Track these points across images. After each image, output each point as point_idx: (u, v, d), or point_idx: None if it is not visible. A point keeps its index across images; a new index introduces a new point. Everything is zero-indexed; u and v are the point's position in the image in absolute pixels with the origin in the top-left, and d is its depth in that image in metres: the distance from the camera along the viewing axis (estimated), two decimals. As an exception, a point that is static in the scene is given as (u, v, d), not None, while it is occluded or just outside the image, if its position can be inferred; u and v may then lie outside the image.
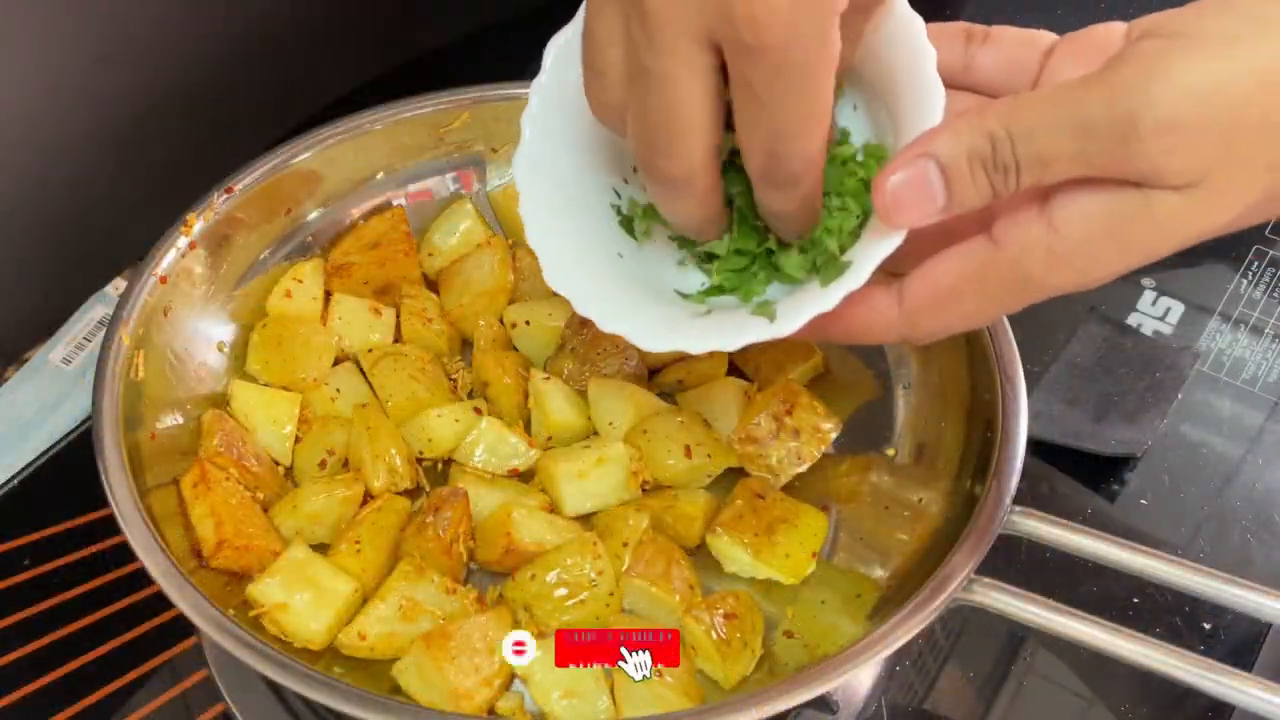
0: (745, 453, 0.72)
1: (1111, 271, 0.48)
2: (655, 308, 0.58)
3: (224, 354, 0.76)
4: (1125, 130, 0.44)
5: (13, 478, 0.80)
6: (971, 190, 0.48)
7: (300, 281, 0.78)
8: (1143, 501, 0.79)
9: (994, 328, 0.70)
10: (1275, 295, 0.90)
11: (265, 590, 0.64)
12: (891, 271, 0.52)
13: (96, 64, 0.86)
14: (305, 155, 0.79)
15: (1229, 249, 0.93)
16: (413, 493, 0.72)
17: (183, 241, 0.74)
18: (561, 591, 0.65)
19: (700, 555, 0.70)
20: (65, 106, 0.85)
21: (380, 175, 0.83)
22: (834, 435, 0.73)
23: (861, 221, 0.54)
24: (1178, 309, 0.90)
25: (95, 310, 0.88)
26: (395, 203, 0.83)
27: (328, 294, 0.80)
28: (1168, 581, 0.60)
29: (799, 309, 0.52)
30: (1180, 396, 0.82)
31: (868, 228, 0.53)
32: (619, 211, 0.61)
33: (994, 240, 0.49)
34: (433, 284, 0.82)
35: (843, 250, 0.53)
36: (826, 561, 0.70)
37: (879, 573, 0.68)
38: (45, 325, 0.87)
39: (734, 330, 0.53)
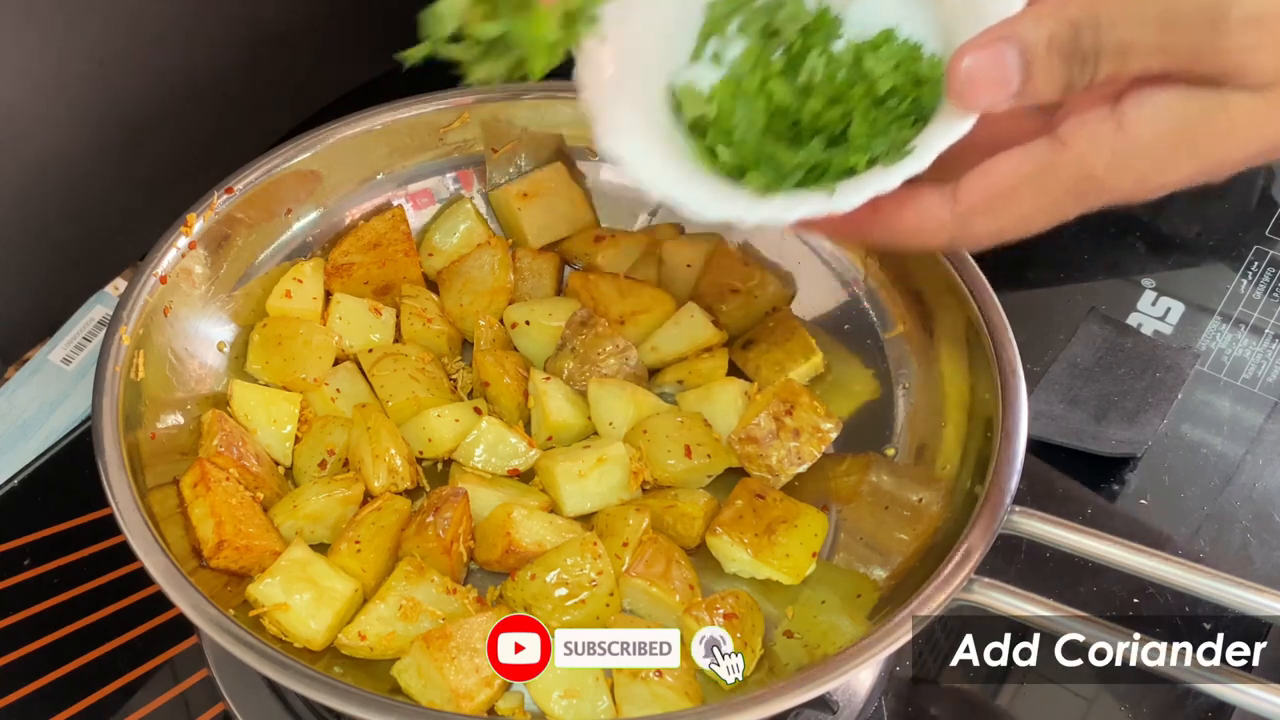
0: (745, 453, 0.72)
1: (1173, 179, 0.48)
2: (708, 183, 0.57)
3: (224, 354, 0.76)
4: (1214, 19, 0.44)
5: (13, 478, 0.80)
6: (1047, 78, 0.47)
7: (300, 281, 0.78)
8: (1143, 501, 0.79)
9: (994, 327, 0.70)
10: (1275, 295, 0.90)
11: (265, 590, 0.64)
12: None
13: (97, 64, 0.86)
14: (305, 155, 0.79)
15: (1229, 249, 0.93)
16: (413, 493, 0.72)
17: (183, 241, 0.74)
18: (561, 591, 0.65)
19: (700, 555, 0.70)
20: (65, 107, 0.85)
21: (380, 175, 0.83)
22: (834, 435, 0.73)
23: (919, 124, 0.53)
24: (1178, 309, 0.90)
25: (95, 310, 0.88)
26: (395, 203, 0.83)
27: (328, 294, 0.80)
28: (1168, 581, 0.60)
29: (858, 187, 0.51)
30: (1180, 396, 0.82)
31: (932, 120, 0.53)
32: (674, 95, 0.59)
33: (1059, 139, 0.49)
34: (433, 284, 0.82)
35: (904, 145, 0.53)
36: (826, 561, 0.70)
37: (879, 573, 0.68)
38: (45, 325, 0.87)
39: (789, 203, 0.53)
